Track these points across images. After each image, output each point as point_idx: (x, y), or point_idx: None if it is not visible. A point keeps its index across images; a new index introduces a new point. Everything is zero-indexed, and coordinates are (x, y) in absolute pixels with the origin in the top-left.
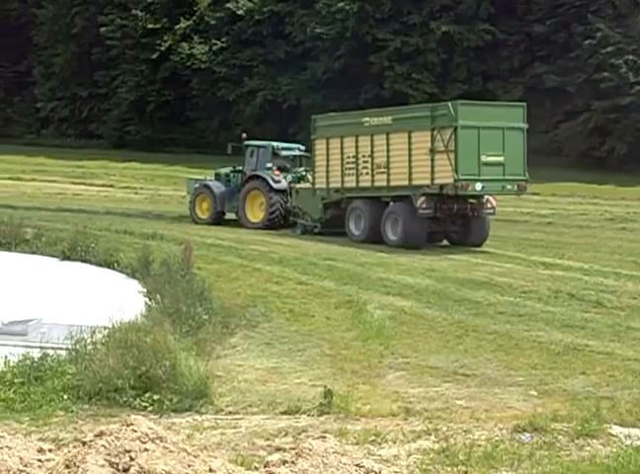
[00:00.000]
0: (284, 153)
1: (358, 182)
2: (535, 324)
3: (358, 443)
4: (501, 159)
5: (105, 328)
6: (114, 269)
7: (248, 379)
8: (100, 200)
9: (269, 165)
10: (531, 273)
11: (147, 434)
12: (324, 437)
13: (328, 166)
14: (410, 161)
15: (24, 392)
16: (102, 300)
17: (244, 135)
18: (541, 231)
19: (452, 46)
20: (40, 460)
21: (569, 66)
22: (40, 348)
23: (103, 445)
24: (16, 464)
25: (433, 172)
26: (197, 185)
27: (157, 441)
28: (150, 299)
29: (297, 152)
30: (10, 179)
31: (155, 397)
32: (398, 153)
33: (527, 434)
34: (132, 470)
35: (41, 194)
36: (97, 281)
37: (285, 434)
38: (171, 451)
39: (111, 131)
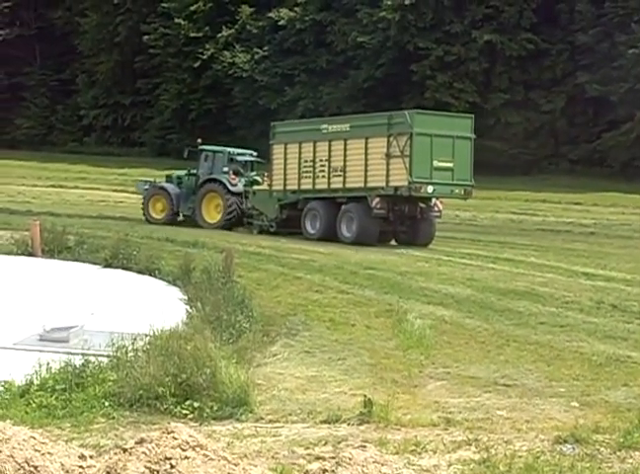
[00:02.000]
0: (239, 158)
1: (314, 184)
2: (577, 335)
3: (398, 453)
4: (450, 165)
5: (146, 335)
6: (155, 276)
7: (288, 388)
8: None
9: (225, 169)
10: (573, 283)
11: (188, 442)
12: (364, 447)
13: (285, 169)
14: (366, 164)
15: (65, 398)
16: (143, 308)
17: (199, 140)
18: (583, 241)
19: (494, 55)
20: (81, 467)
21: (612, 76)
22: (82, 354)
23: (143, 452)
24: (57, 470)
25: (388, 175)
26: (146, 186)
27: (197, 449)
28: (191, 307)
29: (249, 157)
30: (53, 186)
31: (195, 405)
32: (355, 157)
33: (569, 446)
34: None
35: (84, 201)
36: (138, 289)
37: (325, 443)
38: (211, 459)
39: (153, 139)
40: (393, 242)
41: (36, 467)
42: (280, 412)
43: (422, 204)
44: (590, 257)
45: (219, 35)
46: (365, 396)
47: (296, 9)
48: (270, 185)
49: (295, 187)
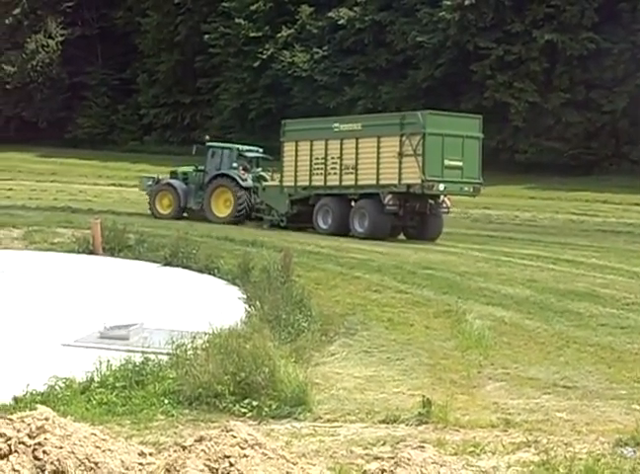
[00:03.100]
0: (247, 154)
1: (326, 181)
2: (638, 337)
3: (456, 454)
4: (460, 163)
5: (205, 334)
6: (214, 275)
7: (346, 387)
8: None
9: (235, 165)
10: (634, 284)
11: (246, 441)
12: (422, 447)
13: (296, 166)
14: (378, 163)
15: (125, 396)
16: (202, 306)
17: (207, 137)
18: None
19: (555, 55)
20: (140, 464)
21: None
22: (142, 352)
23: (203, 450)
24: (117, 467)
25: (400, 173)
26: (150, 182)
27: (256, 448)
28: (250, 306)
29: (257, 154)
30: (113, 185)
31: (254, 403)
32: (367, 155)
33: (630, 449)
34: None
35: (144, 200)
36: (198, 287)
37: (384, 444)
38: (270, 458)
39: (212, 139)
40: (402, 236)
41: (96, 463)
42: (338, 411)
43: (431, 201)
44: None
45: (279, 34)
46: (424, 396)
47: (356, 9)
48: (281, 181)
49: (306, 183)
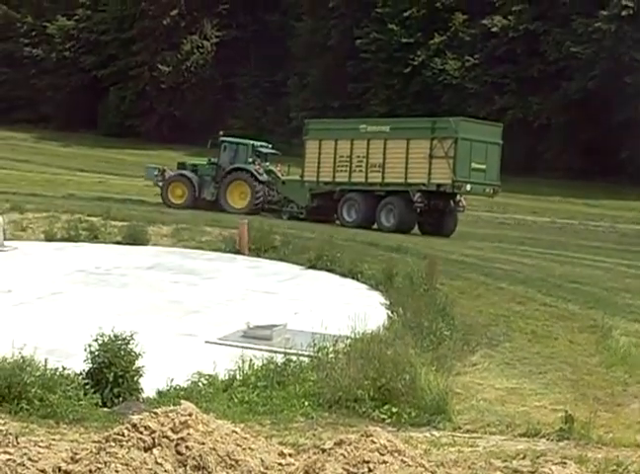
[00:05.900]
0: (260, 150)
1: (350, 177)
2: None
3: (598, 472)
4: (484, 167)
5: (347, 338)
6: (357, 279)
7: (487, 398)
8: None
9: (250, 160)
10: None
11: (386, 447)
12: (564, 463)
13: (319, 162)
14: (407, 163)
15: (266, 396)
16: (345, 310)
17: (221, 133)
18: None
19: None
20: (280, 464)
21: None
22: (284, 353)
23: (342, 454)
24: (257, 466)
25: (430, 173)
26: (155, 172)
27: (395, 454)
28: (392, 312)
29: (267, 150)
30: None
31: (394, 410)
32: (395, 155)
33: None
34: None
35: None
36: (341, 291)
37: (524, 457)
38: (408, 465)
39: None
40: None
41: (237, 461)
42: (478, 422)
43: (451, 200)
44: None
45: (431, 41)
46: (566, 412)
47: (510, 17)
48: (302, 175)
49: (329, 179)
